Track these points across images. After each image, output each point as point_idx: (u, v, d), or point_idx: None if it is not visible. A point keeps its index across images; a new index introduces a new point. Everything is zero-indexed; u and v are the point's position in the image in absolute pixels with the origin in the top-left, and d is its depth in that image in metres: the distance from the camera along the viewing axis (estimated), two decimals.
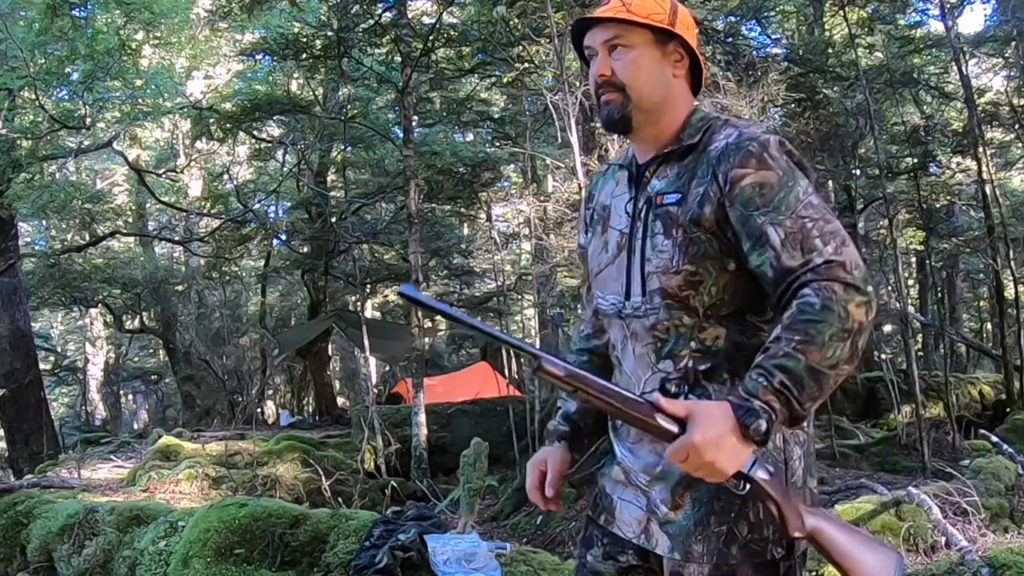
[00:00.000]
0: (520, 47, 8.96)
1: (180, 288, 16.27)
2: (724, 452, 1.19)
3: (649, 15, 1.44)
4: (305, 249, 15.04)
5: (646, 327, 1.43)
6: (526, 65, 9.12)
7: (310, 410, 16.24)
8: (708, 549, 1.35)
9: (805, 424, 1.39)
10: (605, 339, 1.60)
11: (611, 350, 1.55)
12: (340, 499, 6.56)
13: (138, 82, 10.89)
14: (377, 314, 19.26)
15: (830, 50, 9.43)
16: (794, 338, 1.21)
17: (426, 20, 11.72)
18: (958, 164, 11.07)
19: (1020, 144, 12.37)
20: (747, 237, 1.32)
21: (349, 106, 11.63)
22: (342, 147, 13.56)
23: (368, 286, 15.22)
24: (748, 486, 1.26)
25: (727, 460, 1.20)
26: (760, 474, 1.25)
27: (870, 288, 1.26)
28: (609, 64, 1.45)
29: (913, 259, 15.46)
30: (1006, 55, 10.86)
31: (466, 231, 16.98)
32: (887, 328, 16.31)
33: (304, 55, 10.26)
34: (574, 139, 6.67)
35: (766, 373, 1.21)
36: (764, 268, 1.31)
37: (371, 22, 9.58)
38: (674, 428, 1.23)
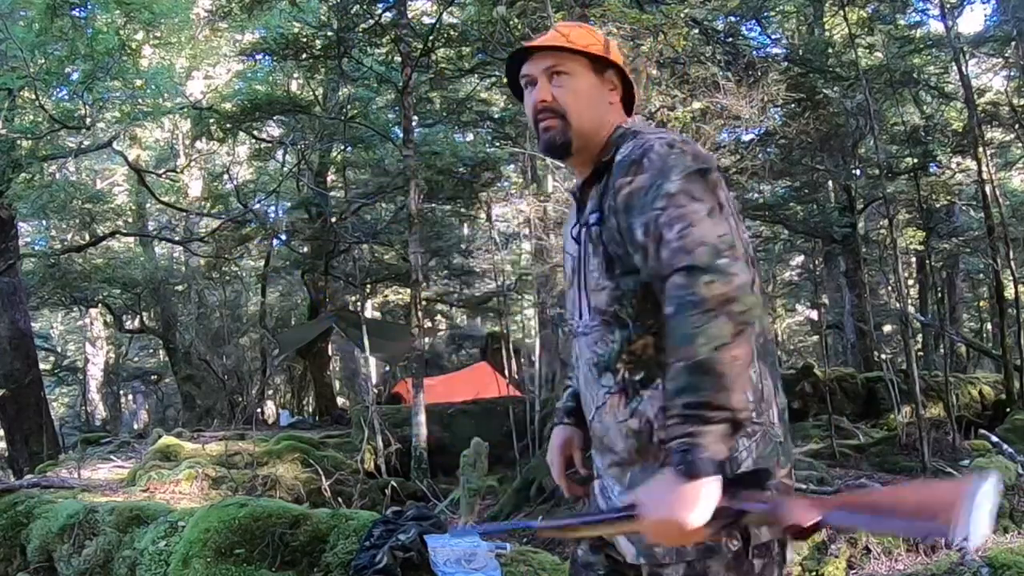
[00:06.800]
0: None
1: (180, 288, 16.27)
2: (676, 506, 1.17)
3: (587, 45, 1.52)
4: (305, 249, 15.04)
5: (588, 344, 1.48)
6: None
7: (310, 410, 16.24)
8: (667, 550, 1.37)
9: (755, 415, 1.38)
10: None
11: None
12: (340, 499, 6.55)
13: (138, 82, 10.89)
14: (377, 314, 19.26)
15: (830, 50, 9.43)
16: (670, 361, 1.23)
17: (426, 20, 11.72)
18: (958, 164, 11.06)
19: (1020, 144, 12.36)
20: (628, 244, 1.36)
21: (349, 106, 11.64)
22: (342, 147, 13.56)
23: (368, 286, 15.24)
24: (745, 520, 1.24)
25: (684, 512, 1.17)
26: (749, 506, 1.23)
27: (721, 261, 1.22)
28: (549, 90, 1.51)
29: (913, 259, 15.44)
30: (1006, 55, 10.85)
31: (466, 231, 17.00)
32: (887, 328, 16.31)
33: (304, 55, 10.25)
34: None
35: (669, 410, 1.23)
36: (643, 270, 1.34)
37: (371, 22, 9.57)
38: (632, 513, 1.24)
